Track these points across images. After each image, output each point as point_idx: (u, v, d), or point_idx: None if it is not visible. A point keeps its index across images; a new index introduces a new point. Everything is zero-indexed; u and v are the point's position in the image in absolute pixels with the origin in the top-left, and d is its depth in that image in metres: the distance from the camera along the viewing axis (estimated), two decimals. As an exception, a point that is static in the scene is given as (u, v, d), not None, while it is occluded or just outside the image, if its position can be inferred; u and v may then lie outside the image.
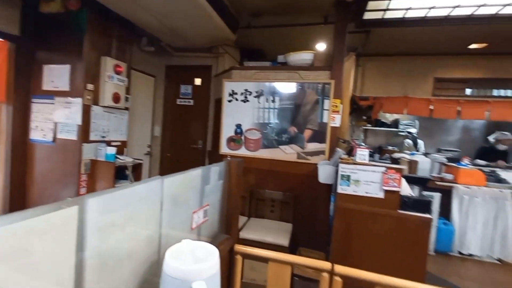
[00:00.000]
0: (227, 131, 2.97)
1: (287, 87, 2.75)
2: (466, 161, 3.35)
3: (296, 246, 2.58)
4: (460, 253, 3.08)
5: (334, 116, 2.59)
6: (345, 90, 2.91)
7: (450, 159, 3.45)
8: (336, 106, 2.58)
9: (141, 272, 0.73)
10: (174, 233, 0.86)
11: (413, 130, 4.69)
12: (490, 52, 4.04)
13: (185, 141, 3.84)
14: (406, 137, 4.60)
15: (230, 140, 2.97)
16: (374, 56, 4.53)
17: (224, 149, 2.96)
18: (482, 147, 4.09)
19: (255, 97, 2.84)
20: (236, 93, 2.90)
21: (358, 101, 4.46)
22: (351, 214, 1.98)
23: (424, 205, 1.84)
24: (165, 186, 0.79)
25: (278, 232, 2.40)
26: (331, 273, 1.12)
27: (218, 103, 3.23)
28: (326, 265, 1.14)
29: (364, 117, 4.92)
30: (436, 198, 3.02)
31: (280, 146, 2.80)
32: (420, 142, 4.53)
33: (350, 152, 2.35)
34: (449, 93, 4.38)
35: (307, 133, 2.70)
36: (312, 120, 2.69)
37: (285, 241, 2.26)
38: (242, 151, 2.92)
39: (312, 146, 2.70)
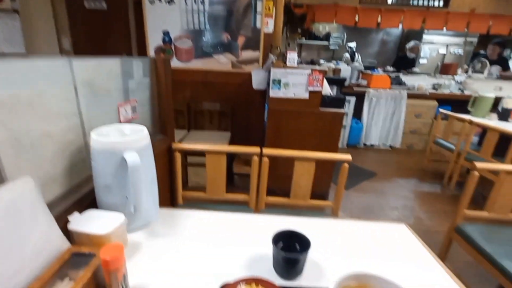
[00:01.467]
0: (153, 40, 2.64)
1: (217, -14, 2.44)
2: (379, 69, 3.83)
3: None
4: (364, 144, 3.86)
5: (267, 20, 2.51)
6: (278, -8, 2.74)
7: (366, 67, 3.88)
8: (269, 9, 2.47)
9: (68, 154, 0.73)
10: (99, 123, 0.84)
11: (352, 45, 4.89)
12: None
13: (105, 54, 3.30)
14: (346, 50, 4.79)
15: (159, 50, 2.68)
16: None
17: (152, 60, 2.68)
18: (397, 56, 4.65)
19: (181, -4, 2.48)
20: (157, -8, 2.47)
21: (292, 9, 4.32)
22: (281, 115, 2.20)
23: (339, 102, 2.14)
24: (76, 69, 0.73)
25: (217, 141, 2.55)
26: (260, 155, 1.30)
27: (139, 6, 2.73)
28: (256, 149, 1.31)
29: (299, 31, 4.89)
30: (352, 101, 3.52)
31: (214, 56, 2.68)
32: (357, 56, 4.81)
33: (284, 60, 2.41)
34: (373, 2, 4.53)
35: (241, 40, 2.61)
36: (245, 26, 2.56)
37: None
38: (174, 63, 2.71)
39: (247, 55, 2.65)
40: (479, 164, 1.25)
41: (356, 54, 4.71)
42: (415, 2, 4.47)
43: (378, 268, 0.51)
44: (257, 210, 1.36)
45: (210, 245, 0.72)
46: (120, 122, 0.97)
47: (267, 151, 1.30)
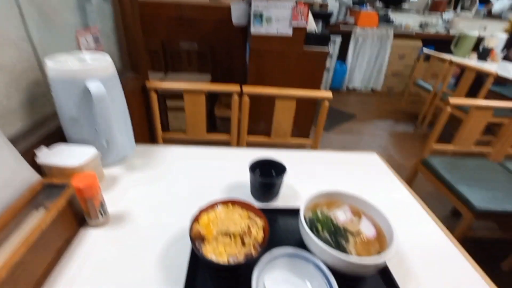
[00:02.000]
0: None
1: None
2: (368, 5, 3.59)
3: (216, 94, 2.73)
4: (347, 88, 3.85)
5: None
6: None
7: (355, 3, 3.62)
8: None
9: (24, 86, 0.66)
10: (56, 52, 0.75)
11: None
12: None
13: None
14: None
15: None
16: None
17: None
18: None
19: None
20: None
21: None
22: (263, 56, 2.08)
23: (324, 39, 2.03)
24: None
25: (197, 83, 2.43)
26: (240, 94, 1.26)
27: None
28: (236, 87, 1.26)
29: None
30: (337, 42, 3.37)
31: (188, -15, 2.36)
32: None
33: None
34: None
35: (217, -35, 2.28)
36: None
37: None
38: (143, -6, 2.37)
39: (224, -16, 2.36)
40: (452, 100, 1.29)
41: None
42: None
43: (349, 190, 0.55)
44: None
45: (189, 176, 0.73)
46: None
47: (247, 89, 1.26)
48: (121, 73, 1.18)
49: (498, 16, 3.97)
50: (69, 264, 0.47)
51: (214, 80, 2.63)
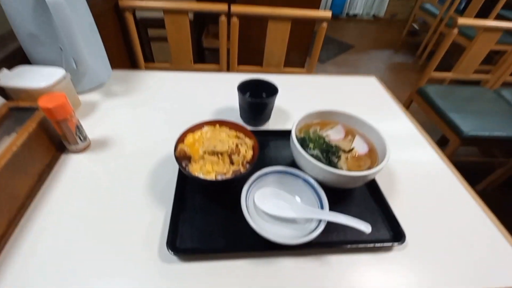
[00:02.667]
0: None
1: None
2: None
3: (203, 21, 2.46)
4: (347, 14, 3.51)
5: None
6: None
7: None
8: None
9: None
10: None
11: None
12: None
13: None
14: None
15: None
16: None
17: None
18: None
19: None
20: None
21: None
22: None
23: None
24: None
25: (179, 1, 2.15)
26: (228, 15, 1.11)
27: None
28: (223, 7, 1.10)
29: None
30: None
31: None
32: None
33: None
34: None
35: None
36: None
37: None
38: None
39: None
40: (461, 20, 1.18)
41: None
42: None
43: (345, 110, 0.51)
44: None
45: (174, 101, 0.68)
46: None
47: (236, 8, 1.11)
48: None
49: None
50: (53, 188, 0.46)
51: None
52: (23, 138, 0.42)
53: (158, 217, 0.42)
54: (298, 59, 2.23)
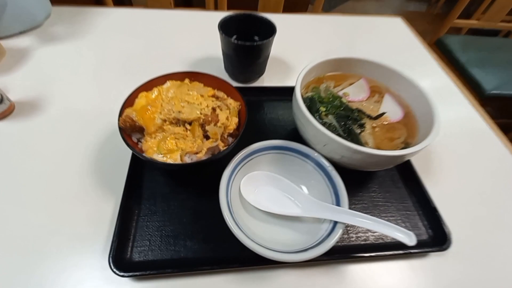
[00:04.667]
0: None
1: None
2: None
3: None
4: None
5: None
6: None
7: None
8: None
9: None
10: None
11: None
12: None
13: None
14: None
15: None
16: None
17: None
18: None
19: None
20: None
21: None
22: None
23: None
24: None
25: None
26: None
27: None
28: None
29: None
30: None
31: None
32: None
33: None
34: None
35: None
36: None
37: None
38: None
39: None
40: None
41: None
42: None
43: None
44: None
45: (136, 48, 0.51)
46: None
47: None
48: None
49: None
50: (-44, 170, 0.32)
51: None
52: None
53: (102, 213, 0.29)
54: (299, 2, 1.94)
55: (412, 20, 2.34)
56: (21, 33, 0.51)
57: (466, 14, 1.27)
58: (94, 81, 0.44)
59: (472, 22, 1.21)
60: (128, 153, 0.33)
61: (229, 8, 1.03)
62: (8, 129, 0.37)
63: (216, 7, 1.03)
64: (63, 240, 0.28)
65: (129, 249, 0.27)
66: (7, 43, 0.48)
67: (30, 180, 0.32)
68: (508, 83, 1.04)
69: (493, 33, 1.33)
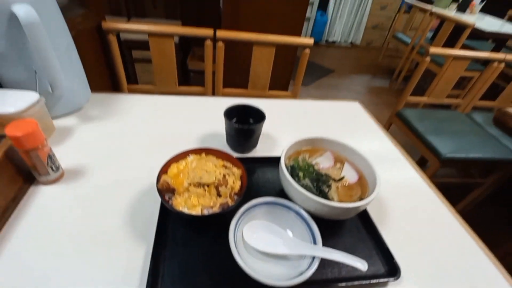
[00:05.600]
0: None
1: None
2: None
3: (188, 44, 2.49)
4: (327, 41, 3.70)
5: None
6: None
7: None
8: None
9: None
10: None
11: None
12: None
13: None
14: None
15: None
16: None
17: None
18: None
19: None
20: None
21: None
22: (238, -2, 1.86)
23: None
24: None
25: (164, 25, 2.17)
26: (214, 39, 1.13)
27: None
28: (209, 31, 1.11)
29: None
30: (319, -13, 3.11)
31: None
32: None
33: None
34: None
35: None
36: None
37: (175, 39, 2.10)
38: None
39: None
40: (432, 49, 1.27)
41: None
42: None
43: (332, 136, 0.51)
44: (213, 101, 1.29)
45: (157, 126, 0.65)
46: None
47: (221, 33, 1.12)
48: (67, 8, 0.98)
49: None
50: (18, 225, 0.41)
51: (185, 25, 2.37)
52: (-16, 171, 0.38)
53: (137, 255, 0.38)
54: (282, 81, 2.28)
55: (378, 93, 2.78)
56: (67, 114, 0.65)
57: (422, 90, 1.57)
58: (127, 153, 0.57)
59: (422, 99, 1.49)
60: (156, 208, 0.43)
61: (224, 83, 1.26)
62: (58, 192, 0.47)
63: (214, 85, 1.25)
64: (111, 277, 0.36)
65: (159, 282, 0.35)
66: (56, 122, 0.61)
67: (77, 233, 0.41)
68: (460, 148, 1.25)
69: (447, 106, 1.62)
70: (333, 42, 3.71)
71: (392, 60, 3.25)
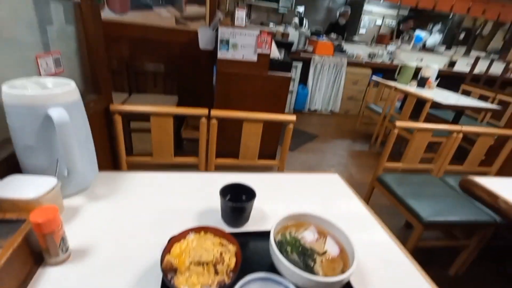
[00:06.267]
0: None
1: None
2: (324, 36, 3.95)
3: (183, 116, 2.71)
4: (309, 110, 4.10)
5: (213, -29, 2.29)
6: None
7: (313, 33, 3.96)
8: (215, -41, 2.24)
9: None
10: (12, 76, 0.71)
11: (301, 9, 4.84)
12: None
13: None
14: (295, 15, 4.75)
15: (83, -4, 2.25)
16: None
17: (75, 8, 2.26)
18: (330, 23, 4.70)
19: None
20: None
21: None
22: (230, 78, 2.15)
23: (287, 66, 2.18)
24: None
25: (164, 104, 2.39)
26: (208, 117, 1.28)
27: None
28: (204, 111, 1.28)
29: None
30: (299, 67, 3.61)
31: (155, 8, 2.39)
32: (305, 21, 4.79)
33: (233, 18, 2.28)
34: None
35: (184, -7, 2.36)
36: (189, -24, 2.30)
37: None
38: (107, 14, 2.33)
39: (192, 10, 2.44)
40: (398, 123, 1.47)
41: (304, 19, 4.73)
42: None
43: (314, 210, 0.59)
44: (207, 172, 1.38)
45: (156, 203, 0.71)
46: (40, 75, 0.83)
47: (215, 112, 1.29)
48: (83, 96, 1.13)
49: (431, 50, 4.64)
50: (23, 309, 0.43)
51: (181, 101, 2.62)
52: (7, 255, 0.42)
53: None
54: (270, 148, 2.45)
55: (359, 156, 2.98)
56: (75, 193, 0.71)
57: (399, 153, 1.72)
58: (129, 230, 0.61)
59: (398, 165, 1.64)
60: (158, 283, 0.47)
61: (217, 156, 1.37)
62: (65, 273, 0.50)
63: (207, 154, 1.35)
64: None
65: None
66: (65, 201, 0.67)
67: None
68: (439, 212, 1.33)
69: (425, 170, 1.76)
70: (315, 110, 4.11)
71: (368, 126, 3.59)
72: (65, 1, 0.98)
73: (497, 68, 3.75)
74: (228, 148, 1.66)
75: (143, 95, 2.61)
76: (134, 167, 1.35)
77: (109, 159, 1.34)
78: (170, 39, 2.50)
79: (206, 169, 1.37)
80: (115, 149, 1.28)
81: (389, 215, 1.93)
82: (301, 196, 0.83)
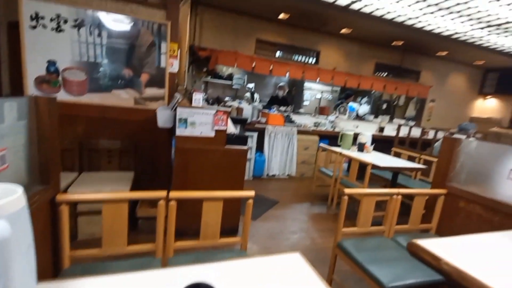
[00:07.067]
0: (33, 69, 2.24)
1: (117, 21, 2.36)
2: (274, 108, 4.45)
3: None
4: (267, 175, 4.26)
5: (172, 61, 2.57)
6: (182, 35, 2.89)
7: (264, 107, 4.43)
8: (174, 51, 2.55)
9: None
10: None
11: (252, 86, 5.49)
12: (291, 24, 5.28)
13: None
14: (247, 91, 5.33)
15: (41, 81, 2.28)
16: (209, 7, 4.70)
17: (32, 92, 2.25)
18: (271, 96, 5.29)
19: (73, 26, 2.25)
20: (43, 18, 2.17)
21: (197, 51, 4.57)
22: (188, 153, 2.21)
23: (243, 140, 2.35)
24: None
25: (118, 182, 2.28)
26: (167, 199, 1.27)
27: (14, 28, 2.29)
28: (162, 193, 1.26)
29: (204, 69, 5.16)
30: (254, 136, 3.89)
31: (114, 91, 2.49)
32: (256, 95, 5.36)
33: (191, 98, 2.47)
34: (265, 53, 5.45)
35: (144, 77, 2.55)
36: (149, 64, 2.53)
37: (126, 189, 2.20)
38: (62, 96, 2.35)
39: (151, 92, 2.60)
40: (347, 190, 1.62)
41: (255, 94, 5.32)
42: (296, 58, 5.66)
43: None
44: (164, 259, 1.28)
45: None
46: (-21, 178, 0.78)
47: (174, 194, 1.28)
48: (28, 188, 1.05)
49: (363, 118, 5.48)
50: None
51: (137, 177, 2.53)
52: None
53: None
54: (232, 219, 2.40)
55: (319, 220, 3.07)
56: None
57: (354, 213, 1.82)
58: None
59: (353, 229, 1.73)
60: None
61: (177, 234, 1.29)
62: None
63: (165, 239, 1.27)
64: None
65: None
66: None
67: None
68: (397, 277, 1.37)
69: (378, 232, 1.87)
70: (273, 175, 4.28)
71: (323, 188, 3.81)
72: (20, 98, 1.00)
73: (416, 132, 4.54)
74: (188, 226, 1.59)
75: (95, 173, 2.47)
76: (79, 261, 1.20)
77: (48, 256, 1.17)
78: (129, 118, 2.55)
79: (164, 255, 1.28)
80: (57, 244, 1.15)
81: (355, 282, 1.93)
82: (264, 284, 0.82)
